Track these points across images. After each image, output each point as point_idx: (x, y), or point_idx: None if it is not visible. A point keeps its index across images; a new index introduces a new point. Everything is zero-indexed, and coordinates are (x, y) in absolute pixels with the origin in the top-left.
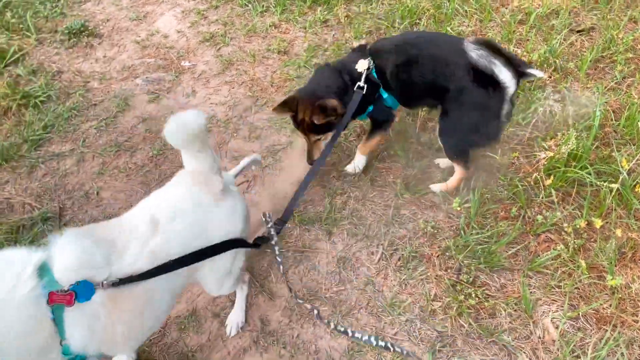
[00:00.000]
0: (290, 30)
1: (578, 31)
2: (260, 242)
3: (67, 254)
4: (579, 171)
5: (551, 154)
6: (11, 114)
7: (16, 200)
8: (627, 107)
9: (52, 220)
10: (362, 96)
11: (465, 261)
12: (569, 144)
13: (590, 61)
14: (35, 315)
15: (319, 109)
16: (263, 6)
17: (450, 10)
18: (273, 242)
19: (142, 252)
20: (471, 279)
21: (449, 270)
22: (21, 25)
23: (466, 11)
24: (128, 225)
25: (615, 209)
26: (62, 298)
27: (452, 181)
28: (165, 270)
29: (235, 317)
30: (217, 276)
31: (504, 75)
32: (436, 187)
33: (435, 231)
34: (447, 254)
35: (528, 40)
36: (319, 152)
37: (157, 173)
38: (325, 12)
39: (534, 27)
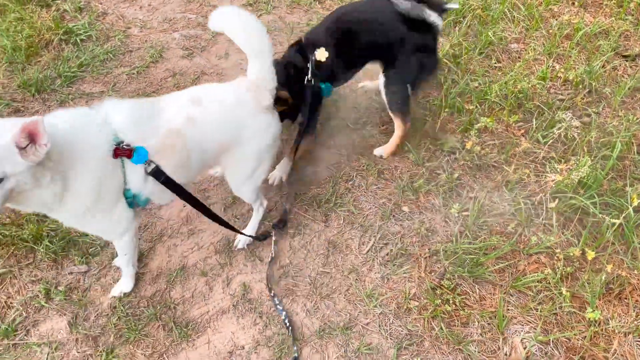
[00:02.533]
0: (334, 7)
1: (624, 56)
2: (261, 239)
3: (122, 113)
4: (584, 200)
5: (560, 178)
6: (51, 47)
7: None
8: None
9: None
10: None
11: (450, 267)
12: (580, 171)
13: (629, 89)
14: (115, 163)
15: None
16: None
17: (497, 13)
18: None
19: (180, 113)
20: (452, 286)
21: (432, 273)
22: None
23: (514, 17)
24: (172, 97)
25: (613, 244)
26: (123, 152)
27: (392, 141)
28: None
29: (244, 236)
30: (240, 171)
31: (433, 16)
32: (378, 151)
33: (429, 233)
34: (435, 257)
35: (570, 57)
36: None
37: None
38: None
39: (579, 44)
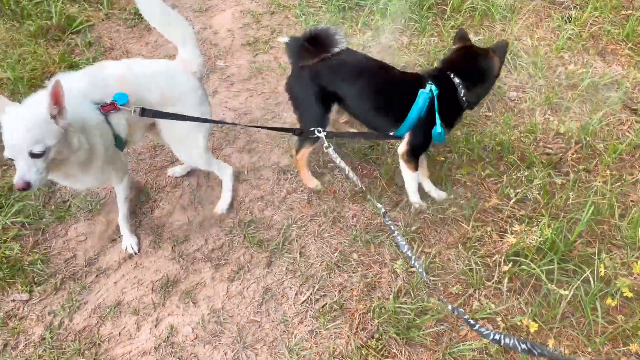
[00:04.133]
0: None
1: (632, 109)
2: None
3: (80, 86)
4: (534, 267)
5: (514, 240)
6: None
7: None
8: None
9: None
10: None
11: (382, 327)
12: (537, 235)
13: (629, 145)
14: (104, 121)
15: None
16: (315, 20)
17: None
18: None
19: (119, 67)
20: (380, 347)
21: (364, 331)
22: None
23: (517, 64)
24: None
25: (568, 317)
26: (109, 107)
27: None
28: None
29: (223, 203)
30: (178, 134)
31: None
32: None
33: (371, 288)
34: (370, 314)
35: (569, 109)
36: None
37: (149, 163)
38: (371, 39)
39: (582, 95)
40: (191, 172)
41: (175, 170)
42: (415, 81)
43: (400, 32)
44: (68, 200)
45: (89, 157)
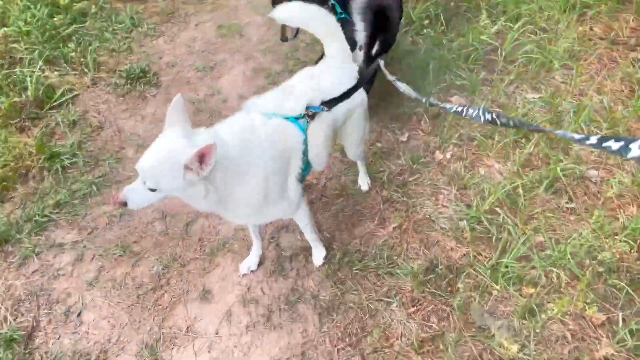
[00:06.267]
0: None
1: None
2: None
3: (270, 104)
4: None
5: None
6: (30, 177)
7: None
8: None
9: (16, 342)
10: None
11: None
12: None
13: None
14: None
15: None
16: None
17: (572, 127)
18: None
19: (306, 86)
20: None
21: None
22: (82, 59)
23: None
24: (290, 82)
25: None
26: (309, 114)
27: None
28: (341, 99)
29: (365, 179)
30: (355, 137)
31: None
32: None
33: None
34: None
35: None
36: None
37: (152, 302)
38: None
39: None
40: None
41: None
42: None
43: (444, 92)
44: None
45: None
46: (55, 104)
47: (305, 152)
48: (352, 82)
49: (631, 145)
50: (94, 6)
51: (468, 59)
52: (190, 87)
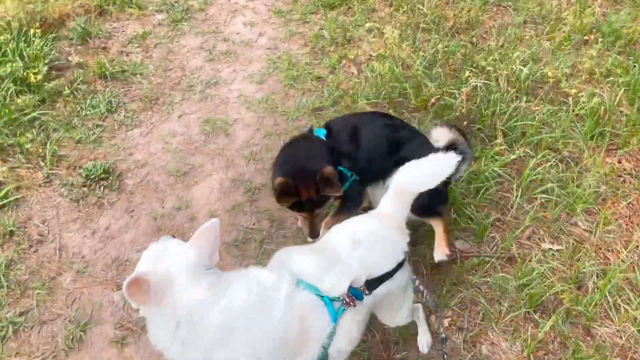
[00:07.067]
0: None
1: None
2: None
3: (308, 269)
4: None
5: None
6: None
7: None
8: None
9: None
10: None
11: None
12: None
13: None
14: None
15: (325, 180)
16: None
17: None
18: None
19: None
20: None
21: None
22: (40, 150)
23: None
24: (331, 242)
25: None
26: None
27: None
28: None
29: (423, 337)
30: (393, 309)
31: None
32: (438, 256)
33: None
34: None
35: None
36: (321, 222)
37: None
38: None
39: None
40: None
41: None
42: None
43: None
44: None
45: None
46: None
47: (326, 345)
48: (398, 257)
49: None
50: (68, 86)
51: (478, 195)
52: (157, 196)
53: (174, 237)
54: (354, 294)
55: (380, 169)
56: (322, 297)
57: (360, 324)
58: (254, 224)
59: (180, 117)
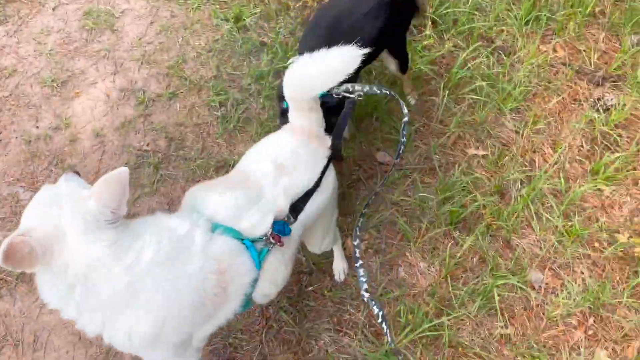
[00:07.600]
0: None
1: None
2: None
3: (224, 210)
4: None
5: None
6: None
7: None
8: None
9: None
10: None
11: None
12: None
13: None
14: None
15: None
16: (243, 108)
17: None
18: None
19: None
20: None
21: None
22: None
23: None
24: (252, 172)
25: None
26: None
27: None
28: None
29: (339, 264)
30: (321, 231)
31: None
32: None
33: None
34: None
35: None
36: None
37: None
38: None
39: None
40: None
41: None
42: None
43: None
44: None
45: None
46: None
47: (249, 293)
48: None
49: None
50: None
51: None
52: (30, 113)
53: (79, 174)
54: (279, 231)
55: None
56: (242, 240)
57: (288, 262)
58: (148, 145)
59: (55, 9)
